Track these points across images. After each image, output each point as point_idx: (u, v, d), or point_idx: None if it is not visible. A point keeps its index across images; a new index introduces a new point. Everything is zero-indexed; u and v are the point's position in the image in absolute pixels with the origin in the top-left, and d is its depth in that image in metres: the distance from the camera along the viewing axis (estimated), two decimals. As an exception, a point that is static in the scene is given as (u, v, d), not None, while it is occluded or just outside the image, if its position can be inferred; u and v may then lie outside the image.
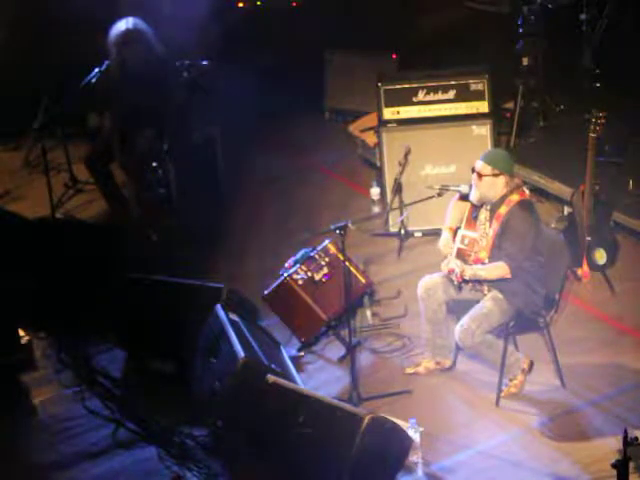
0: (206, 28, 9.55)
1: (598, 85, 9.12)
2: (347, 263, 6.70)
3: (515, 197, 6.41)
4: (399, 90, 8.37)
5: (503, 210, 6.39)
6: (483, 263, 6.41)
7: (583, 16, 9.16)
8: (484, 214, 6.50)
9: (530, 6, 9.08)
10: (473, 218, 6.55)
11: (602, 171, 7.63)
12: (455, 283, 6.46)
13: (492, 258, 6.41)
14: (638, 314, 7.19)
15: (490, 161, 6.42)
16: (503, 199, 6.41)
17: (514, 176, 6.50)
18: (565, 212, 8.14)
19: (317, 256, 7.29)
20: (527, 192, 6.52)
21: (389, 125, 8.39)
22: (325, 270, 7.24)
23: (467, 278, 6.37)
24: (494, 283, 6.45)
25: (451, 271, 6.36)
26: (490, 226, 6.44)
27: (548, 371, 6.65)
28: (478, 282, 6.46)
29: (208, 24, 9.58)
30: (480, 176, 6.41)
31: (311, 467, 5.69)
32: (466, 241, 6.49)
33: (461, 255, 6.46)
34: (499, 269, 6.36)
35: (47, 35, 9.59)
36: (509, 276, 6.36)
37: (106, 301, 7.10)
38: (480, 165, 6.43)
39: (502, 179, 6.40)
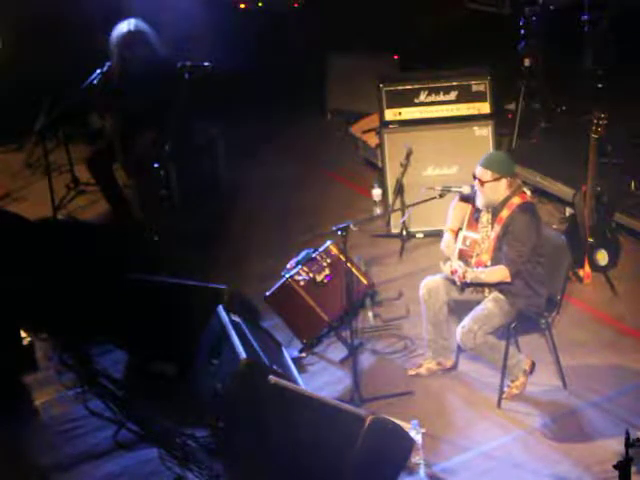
0: (207, 30, 9.58)
1: (600, 86, 9.11)
2: (349, 264, 6.70)
3: (516, 200, 6.38)
4: (401, 91, 8.37)
5: (505, 213, 6.37)
6: (486, 266, 6.39)
7: (585, 17, 9.16)
8: (486, 216, 6.48)
9: (531, 7, 9.08)
10: (475, 219, 6.53)
11: (604, 172, 7.63)
12: (457, 284, 6.44)
13: (494, 260, 6.39)
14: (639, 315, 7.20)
15: (489, 166, 6.37)
16: (505, 202, 6.38)
17: (516, 176, 6.49)
18: (567, 213, 8.13)
19: (319, 257, 7.29)
20: (529, 193, 6.50)
21: (391, 126, 8.38)
22: (327, 271, 7.24)
23: (469, 281, 6.35)
24: (495, 284, 6.44)
25: (454, 272, 6.34)
26: (492, 229, 6.43)
27: (550, 372, 6.65)
28: (479, 285, 6.46)
29: (209, 26, 9.61)
30: (482, 183, 6.38)
31: (313, 468, 5.68)
32: (468, 242, 6.48)
33: (463, 256, 6.45)
34: (500, 272, 6.33)
35: (49, 36, 9.59)
36: (509, 279, 6.34)
37: (108, 302, 7.11)
38: (480, 171, 6.38)
39: (504, 182, 6.37)
